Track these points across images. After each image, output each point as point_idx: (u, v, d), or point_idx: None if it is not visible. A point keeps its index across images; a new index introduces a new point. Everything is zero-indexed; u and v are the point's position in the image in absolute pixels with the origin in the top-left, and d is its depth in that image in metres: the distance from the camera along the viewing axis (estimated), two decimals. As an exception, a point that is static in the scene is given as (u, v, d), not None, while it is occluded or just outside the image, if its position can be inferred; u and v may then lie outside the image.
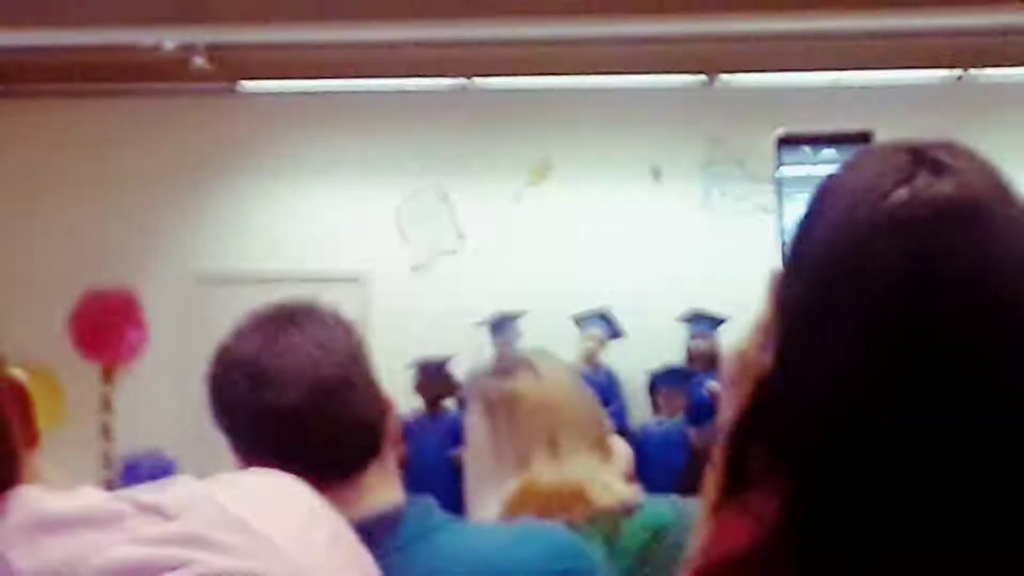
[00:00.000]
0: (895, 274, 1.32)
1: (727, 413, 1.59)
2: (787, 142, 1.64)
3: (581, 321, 11.68)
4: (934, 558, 1.29)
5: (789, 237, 1.51)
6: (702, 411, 10.93)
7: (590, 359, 11.49)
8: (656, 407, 11.52)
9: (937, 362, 1.30)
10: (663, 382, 11.42)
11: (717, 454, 1.51)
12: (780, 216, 1.62)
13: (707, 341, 11.49)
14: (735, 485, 1.44)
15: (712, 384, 11.03)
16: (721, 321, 11.40)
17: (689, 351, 11.62)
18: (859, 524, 1.31)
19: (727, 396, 1.62)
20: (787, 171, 1.63)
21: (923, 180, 1.35)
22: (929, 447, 1.30)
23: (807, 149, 1.63)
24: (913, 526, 1.30)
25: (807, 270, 1.39)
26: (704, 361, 11.43)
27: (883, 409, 1.31)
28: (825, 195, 1.42)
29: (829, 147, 1.62)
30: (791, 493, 1.36)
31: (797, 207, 1.56)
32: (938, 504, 1.29)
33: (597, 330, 11.67)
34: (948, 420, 1.30)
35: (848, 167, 1.45)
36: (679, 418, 11.23)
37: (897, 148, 1.40)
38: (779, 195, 1.63)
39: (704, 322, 11.55)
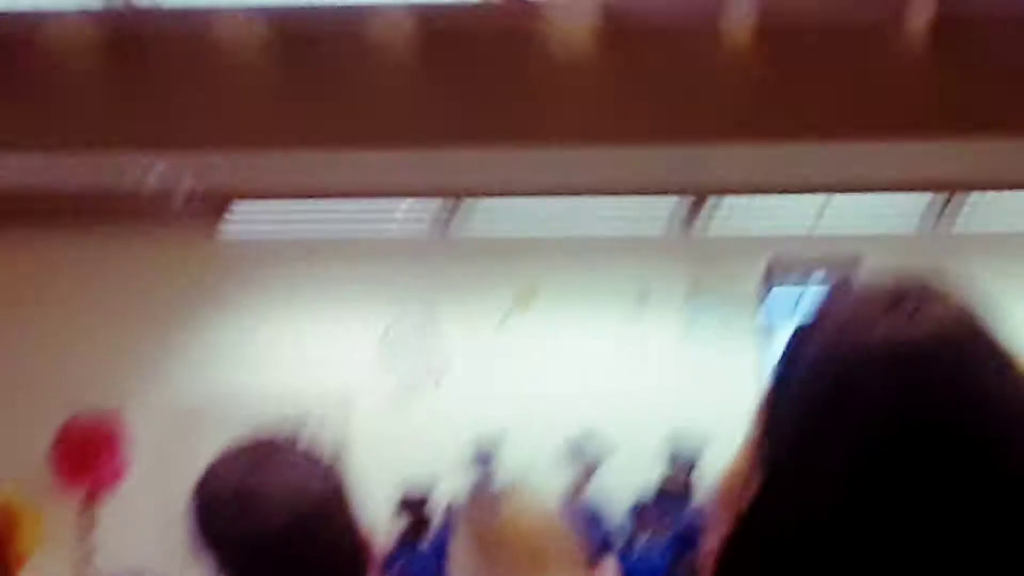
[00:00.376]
0: (869, 411, 1.33)
1: (714, 539, 1.59)
2: (775, 270, 1.66)
3: (567, 451, 11.61)
4: None
5: (773, 369, 1.53)
6: (686, 539, 10.89)
7: (578, 489, 11.42)
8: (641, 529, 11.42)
9: (917, 499, 1.31)
10: (647, 513, 11.33)
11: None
12: (768, 342, 1.63)
13: (682, 475, 11.39)
14: None
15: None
16: (694, 461, 11.32)
17: (665, 482, 11.50)
18: None
19: (713, 524, 1.63)
20: (775, 298, 1.64)
21: (899, 322, 1.36)
22: None
23: (796, 277, 1.65)
24: None
25: (790, 406, 1.41)
26: (678, 494, 11.33)
27: (863, 544, 1.32)
28: (806, 330, 1.44)
29: (817, 275, 1.64)
30: None
31: (783, 335, 1.58)
32: None
33: (584, 460, 11.60)
34: (927, 557, 1.31)
35: (828, 306, 1.47)
36: (664, 537, 11.13)
37: (874, 290, 1.43)
38: (766, 322, 1.64)
39: (681, 455, 11.46)
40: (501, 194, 12.05)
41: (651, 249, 12.34)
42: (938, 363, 1.34)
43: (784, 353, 1.45)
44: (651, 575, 10.77)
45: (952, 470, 1.31)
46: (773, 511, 1.40)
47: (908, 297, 1.39)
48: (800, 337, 1.44)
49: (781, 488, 1.40)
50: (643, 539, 11.31)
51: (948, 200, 11.62)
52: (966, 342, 1.36)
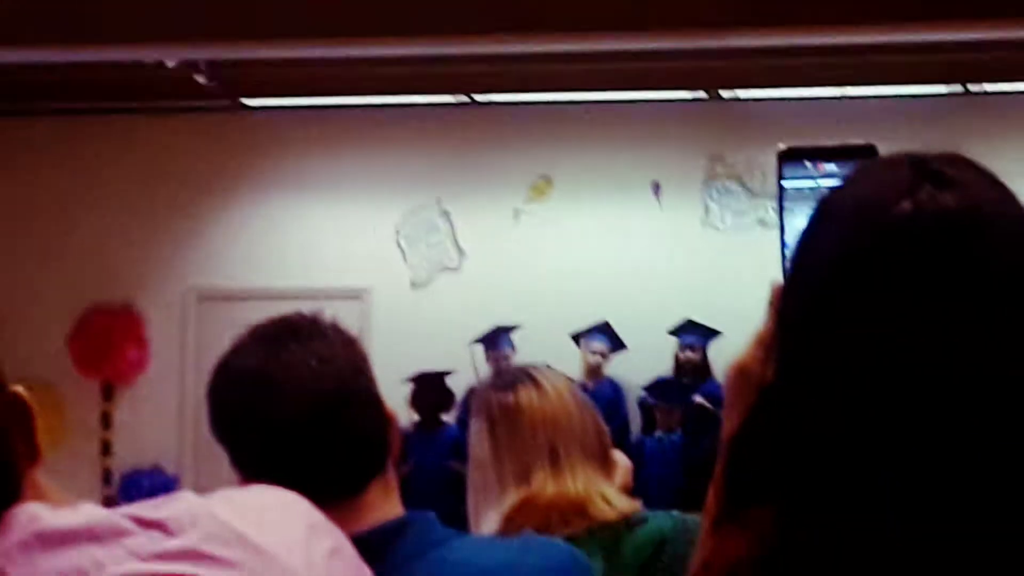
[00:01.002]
0: (899, 287, 1.31)
1: (728, 427, 1.58)
2: (789, 156, 1.63)
3: (583, 336, 11.66)
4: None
5: (791, 251, 1.50)
6: (697, 424, 10.94)
7: (595, 373, 11.48)
8: (651, 421, 11.48)
9: (942, 375, 1.30)
10: (659, 396, 11.38)
11: (718, 469, 1.51)
12: (782, 230, 1.60)
13: (696, 352, 11.48)
14: (736, 500, 1.43)
15: (698, 398, 11.05)
16: (712, 332, 11.39)
17: (678, 362, 11.60)
18: (855, 542, 1.31)
19: (728, 410, 1.61)
20: (789, 185, 1.62)
21: (926, 192, 1.33)
22: (931, 465, 1.29)
23: (809, 164, 1.62)
24: (911, 545, 1.29)
25: (809, 283, 1.38)
26: (693, 372, 11.43)
27: (885, 424, 1.31)
28: (827, 208, 1.41)
29: (832, 161, 1.61)
30: (788, 509, 1.35)
31: (799, 221, 1.56)
32: (936, 523, 1.28)
33: (600, 344, 11.64)
34: (950, 435, 1.29)
35: (850, 180, 1.44)
36: (676, 434, 11.19)
37: (900, 160, 1.39)
38: (781, 209, 1.62)
39: (694, 333, 11.54)
40: (514, 87, 12.01)
41: (666, 137, 12.29)
42: (963, 236, 1.31)
43: (805, 231, 1.43)
44: (664, 464, 10.83)
45: (978, 344, 1.29)
46: (790, 393, 1.39)
47: (934, 166, 1.37)
48: (821, 212, 1.42)
49: (797, 371, 1.38)
50: (654, 427, 11.36)
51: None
52: (994, 213, 1.34)
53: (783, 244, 1.59)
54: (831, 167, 1.61)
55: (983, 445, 1.29)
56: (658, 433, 11.30)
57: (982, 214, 1.33)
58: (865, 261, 1.33)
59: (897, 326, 1.30)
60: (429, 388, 11.26)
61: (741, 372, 1.57)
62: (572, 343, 11.66)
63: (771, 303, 1.55)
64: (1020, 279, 1.32)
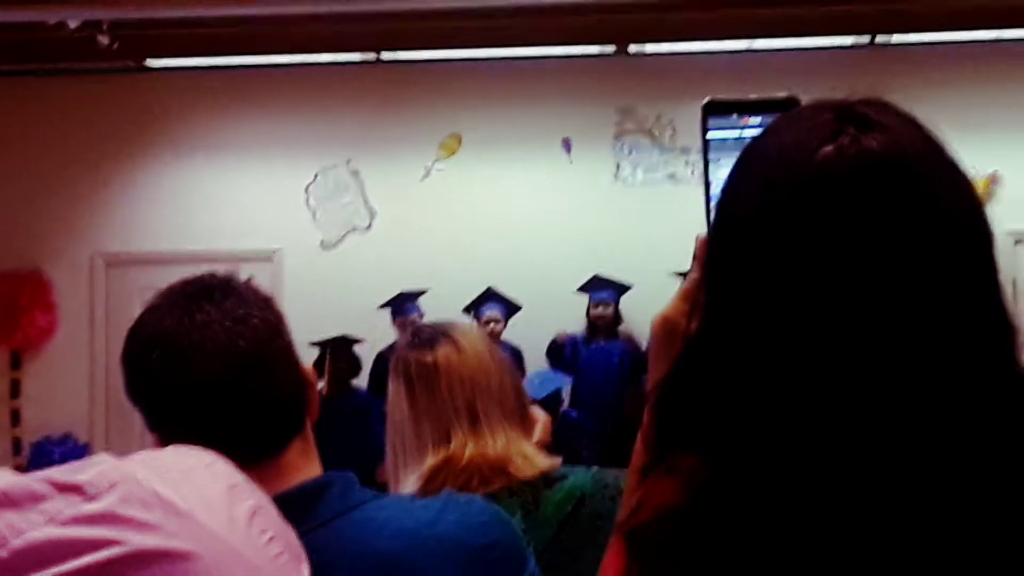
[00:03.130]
0: (823, 230, 1.31)
1: (654, 376, 1.58)
2: (713, 110, 1.63)
3: (475, 307, 11.62)
4: (859, 527, 1.28)
5: (716, 201, 1.50)
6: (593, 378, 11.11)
7: (494, 339, 11.45)
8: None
9: (865, 319, 1.29)
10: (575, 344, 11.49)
11: (645, 418, 1.51)
12: (707, 183, 1.60)
13: (608, 307, 11.53)
14: (663, 446, 1.43)
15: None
16: (622, 287, 11.44)
17: (590, 318, 11.64)
18: (784, 487, 1.31)
19: (653, 361, 1.61)
20: (713, 136, 1.62)
21: (849, 136, 1.34)
22: (853, 411, 1.29)
23: (734, 116, 1.62)
24: (839, 492, 1.29)
25: (733, 232, 1.38)
26: (606, 328, 11.50)
27: (810, 369, 1.31)
28: (750, 156, 1.41)
29: (756, 114, 1.61)
30: (717, 454, 1.35)
31: (724, 173, 1.56)
32: (863, 470, 1.29)
33: (493, 311, 11.61)
34: (876, 381, 1.29)
35: (772, 128, 1.44)
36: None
37: (823, 106, 1.40)
38: (706, 162, 1.62)
39: (604, 289, 11.58)
40: (421, 45, 11.96)
41: (575, 93, 12.30)
42: (887, 178, 1.32)
43: (727, 180, 1.43)
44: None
45: (900, 288, 1.30)
46: (717, 340, 1.38)
47: (858, 110, 1.37)
48: (744, 161, 1.42)
49: (724, 317, 1.38)
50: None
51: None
52: (918, 155, 1.34)
53: (708, 197, 1.59)
54: (755, 120, 1.61)
55: (903, 389, 1.30)
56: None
57: (906, 156, 1.33)
58: (787, 205, 1.33)
59: (819, 270, 1.30)
60: (334, 356, 11.20)
61: (666, 324, 1.58)
62: (482, 298, 11.67)
63: (695, 256, 1.56)
64: (944, 221, 1.32)
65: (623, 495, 1.63)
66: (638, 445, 1.60)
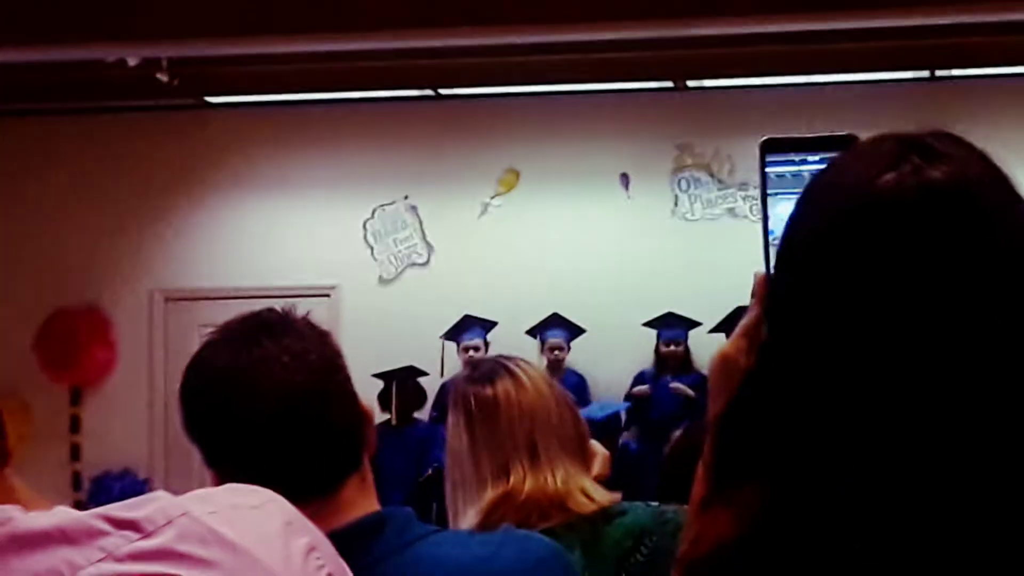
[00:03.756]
0: (881, 259, 1.29)
1: (713, 411, 1.58)
2: (771, 148, 1.62)
3: (538, 332, 11.64)
4: (916, 558, 1.27)
5: (774, 239, 1.50)
6: (664, 411, 11.09)
7: (555, 368, 11.44)
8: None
9: (923, 352, 1.28)
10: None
11: (706, 451, 1.50)
12: (765, 219, 1.60)
13: (679, 345, 11.54)
14: (722, 479, 1.42)
15: (678, 384, 11.11)
16: (692, 324, 11.43)
17: (660, 355, 11.65)
18: (840, 520, 1.30)
19: (713, 397, 1.60)
20: (772, 171, 1.61)
21: (912, 165, 1.32)
22: (918, 443, 1.28)
23: (792, 154, 1.62)
24: (897, 523, 1.28)
25: (794, 265, 1.37)
26: (676, 365, 11.50)
27: (869, 401, 1.29)
28: (813, 189, 1.40)
29: (813, 152, 1.60)
30: (772, 486, 1.34)
31: (782, 209, 1.55)
32: (922, 501, 1.27)
33: (556, 337, 11.63)
34: (937, 413, 1.28)
35: (836, 161, 1.43)
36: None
37: (887, 137, 1.38)
38: (764, 198, 1.61)
39: (675, 327, 11.58)
40: (479, 81, 12.00)
41: (634, 128, 12.30)
42: (950, 208, 1.30)
43: (791, 215, 1.41)
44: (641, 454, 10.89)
45: (963, 319, 1.28)
46: (775, 373, 1.37)
47: (921, 141, 1.35)
48: (807, 196, 1.41)
49: (782, 350, 1.37)
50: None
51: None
52: (981, 186, 1.32)
53: (766, 233, 1.58)
54: (814, 158, 1.60)
55: (968, 424, 1.28)
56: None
57: (970, 187, 1.31)
58: (846, 233, 1.32)
59: (877, 300, 1.29)
60: (399, 388, 11.23)
61: (725, 361, 1.57)
62: (538, 333, 11.68)
63: (754, 293, 1.55)
64: (1006, 253, 1.30)
65: (683, 529, 1.62)
66: (698, 478, 1.59)
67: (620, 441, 10.80)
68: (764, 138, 1.64)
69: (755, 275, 1.59)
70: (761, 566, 1.34)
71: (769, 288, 1.45)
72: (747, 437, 1.41)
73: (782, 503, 1.33)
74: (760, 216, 1.61)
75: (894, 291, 1.29)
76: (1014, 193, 1.35)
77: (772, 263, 1.54)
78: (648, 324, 11.66)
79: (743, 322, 1.60)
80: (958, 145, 1.36)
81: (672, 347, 11.60)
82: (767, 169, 1.62)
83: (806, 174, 1.58)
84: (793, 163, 1.61)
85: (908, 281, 1.28)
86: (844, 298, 1.31)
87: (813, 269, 1.34)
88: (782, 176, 1.61)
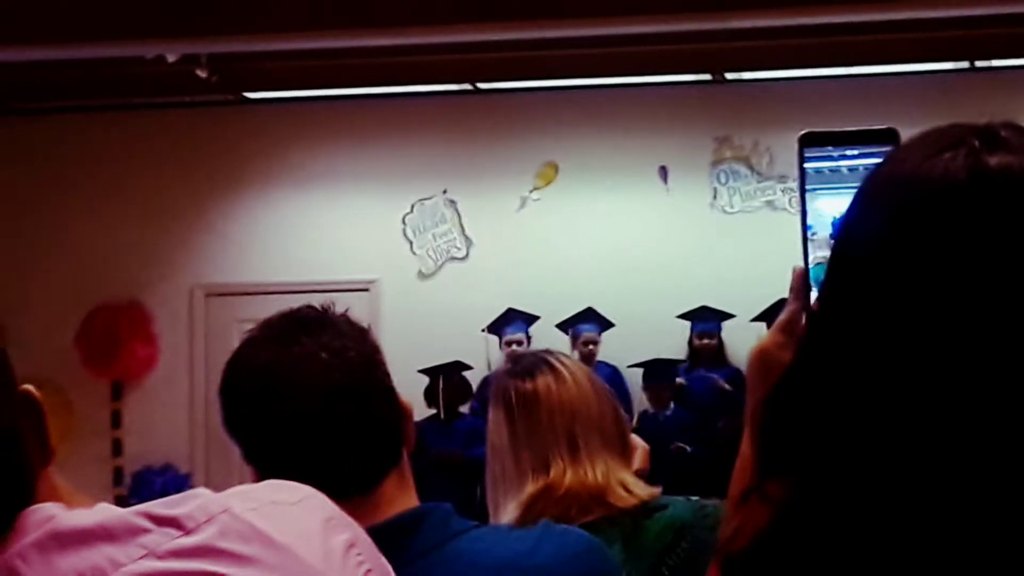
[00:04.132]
0: (947, 250, 1.26)
1: (751, 405, 1.58)
2: (810, 141, 1.62)
3: (570, 326, 11.62)
4: (949, 559, 1.26)
5: (812, 234, 1.50)
6: (694, 402, 11.04)
7: (588, 361, 11.42)
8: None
9: (972, 348, 1.26)
10: (650, 376, 11.40)
11: (743, 446, 1.50)
12: (804, 213, 1.60)
13: (713, 338, 11.50)
14: (761, 475, 1.42)
15: (715, 378, 11.08)
16: (725, 316, 11.40)
17: (693, 348, 11.62)
18: (869, 516, 1.29)
19: (750, 392, 1.60)
20: (810, 167, 1.61)
21: (969, 148, 1.29)
22: (960, 441, 1.27)
23: (830, 148, 1.61)
24: (926, 521, 1.27)
25: (859, 260, 1.34)
26: (710, 358, 11.46)
27: (912, 399, 1.28)
28: (874, 184, 1.37)
29: (852, 146, 1.60)
30: (805, 480, 1.34)
31: (820, 204, 1.56)
32: (956, 501, 1.26)
33: (589, 331, 11.62)
34: (983, 411, 1.26)
35: (896, 153, 1.41)
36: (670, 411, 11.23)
37: (950, 128, 1.35)
38: (802, 192, 1.61)
39: (709, 320, 11.55)
40: (518, 75, 12.00)
41: (672, 121, 12.28)
42: (1018, 195, 1.27)
43: (849, 211, 1.39)
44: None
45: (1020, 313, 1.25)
46: (815, 371, 1.36)
47: (988, 129, 1.33)
48: (867, 190, 1.38)
49: (827, 349, 1.36)
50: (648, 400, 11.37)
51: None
52: None
53: (804, 227, 1.58)
54: (852, 152, 1.60)
55: (1009, 426, 1.26)
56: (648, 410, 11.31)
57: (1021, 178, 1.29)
58: (920, 229, 1.28)
59: (942, 293, 1.27)
60: (445, 382, 11.23)
61: (763, 355, 1.58)
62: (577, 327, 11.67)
63: (792, 288, 1.55)
64: None
65: (722, 523, 1.62)
66: (736, 472, 1.59)
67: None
68: (802, 132, 1.64)
69: (793, 270, 1.59)
70: (785, 561, 1.33)
71: (823, 287, 1.43)
72: (785, 431, 1.40)
73: (807, 498, 1.33)
74: (799, 209, 1.61)
75: (948, 282, 1.26)
76: None
77: (809, 258, 1.54)
78: (682, 316, 11.63)
79: (781, 317, 1.60)
80: (1015, 132, 1.33)
81: (705, 340, 11.56)
82: (805, 164, 1.62)
83: (844, 169, 1.58)
84: (832, 158, 1.61)
85: (962, 271, 1.26)
86: (885, 285, 1.29)
87: (880, 265, 1.31)
88: (820, 171, 1.61)
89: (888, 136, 1.57)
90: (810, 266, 1.57)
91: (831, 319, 1.36)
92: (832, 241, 1.44)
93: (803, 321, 1.56)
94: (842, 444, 1.31)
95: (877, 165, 1.40)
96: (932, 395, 1.27)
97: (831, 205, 1.54)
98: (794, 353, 1.43)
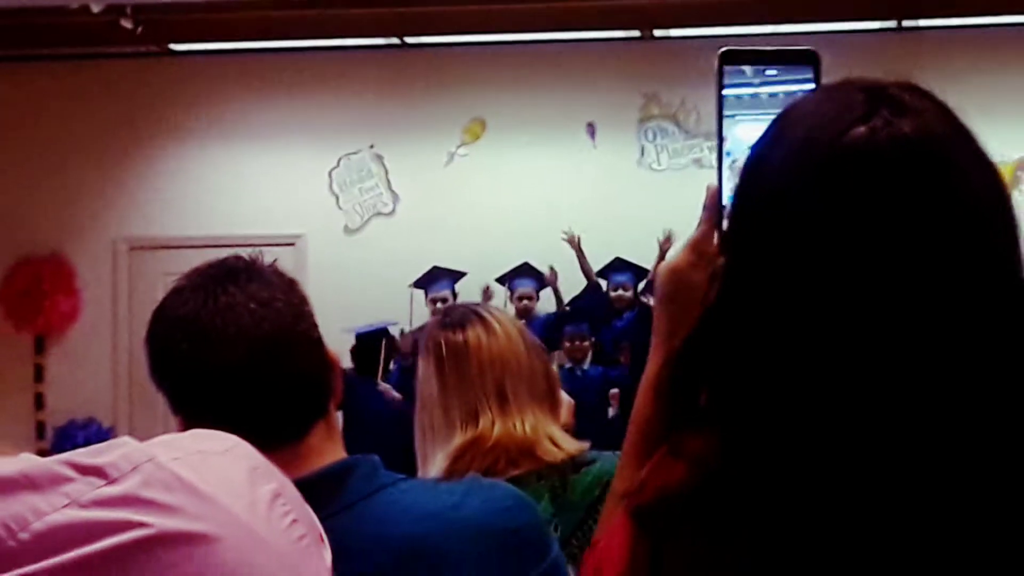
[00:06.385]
0: (848, 211, 1.30)
1: (660, 332, 1.60)
2: (730, 59, 1.62)
3: (507, 280, 11.66)
4: (873, 512, 1.28)
5: (732, 161, 1.53)
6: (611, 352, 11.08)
7: (524, 315, 11.45)
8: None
9: (885, 306, 1.28)
10: (568, 325, 11.38)
11: (659, 387, 1.49)
12: (720, 138, 1.60)
13: (628, 290, 11.53)
14: (674, 424, 1.42)
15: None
16: (642, 271, 11.43)
17: (611, 300, 11.64)
18: (801, 472, 1.30)
19: (659, 315, 1.61)
20: (729, 93, 1.62)
21: (882, 119, 1.32)
22: (880, 391, 1.29)
23: (749, 68, 1.62)
24: (857, 475, 1.29)
25: (760, 199, 1.37)
26: (626, 310, 11.49)
27: (831, 352, 1.29)
28: (783, 124, 1.40)
29: (772, 65, 1.61)
30: (730, 435, 1.34)
31: (738, 130, 1.57)
32: (881, 454, 1.28)
33: (526, 287, 11.65)
34: (895, 370, 1.28)
35: (807, 100, 1.43)
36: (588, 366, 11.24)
37: (856, 85, 1.38)
38: (720, 116, 1.61)
39: (624, 271, 11.59)
40: (446, 29, 11.97)
41: (600, 77, 12.28)
42: (918, 163, 1.30)
43: (759, 143, 1.41)
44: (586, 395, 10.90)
45: (929, 272, 1.29)
46: (735, 316, 1.37)
47: (891, 92, 1.36)
48: (778, 127, 1.40)
49: (744, 294, 1.36)
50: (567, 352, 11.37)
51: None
52: (949, 141, 1.33)
53: (720, 149, 1.59)
54: (771, 72, 1.60)
55: (922, 380, 1.29)
56: (568, 364, 11.29)
57: (937, 143, 1.32)
58: (814, 182, 1.32)
59: (842, 251, 1.30)
60: (373, 347, 11.20)
61: (673, 274, 1.59)
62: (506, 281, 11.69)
63: (705, 207, 1.56)
64: (971, 210, 1.31)
65: (619, 462, 1.63)
66: (633, 420, 1.60)
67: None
68: (722, 50, 1.64)
69: (707, 188, 1.60)
70: (715, 520, 1.34)
71: (729, 224, 1.45)
72: (698, 386, 1.40)
73: (736, 457, 1.33)
74: (716, 132, 1.61)
75: (856, 243, 1.29)
76: (978, 150, 1.36)
77: (723, 179, 1.58)
78: (599, 273, 11.68)
79: (692, 236, 1.61)
80: (925, 99, 1.37)
81: (620, 292, 11.59)
82: (725, 89, 1.62)
83: (764, 95, 1.58)
84: (752, 84, 1.61)
85: (870, 234, 1.29)
86: (805, 245, 1.31)
87: (779, 216, 1.33)
88: (740, 98, 1.61)
89: (808, 57, 1.59)
90: (724, 188, 1.58)
91: (744, 274, 1.37)
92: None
93: (715, 241, 1.56)
94: (767, 400, 1.32)
95: (786, 112, 1.41)
96: (845, 352, 1.29)
97: (750, 132, 1.53)
98: (715, 290, 1.42)
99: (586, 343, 11.22)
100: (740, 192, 1.42)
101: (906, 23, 11.75)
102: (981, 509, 1.27)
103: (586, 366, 11.21)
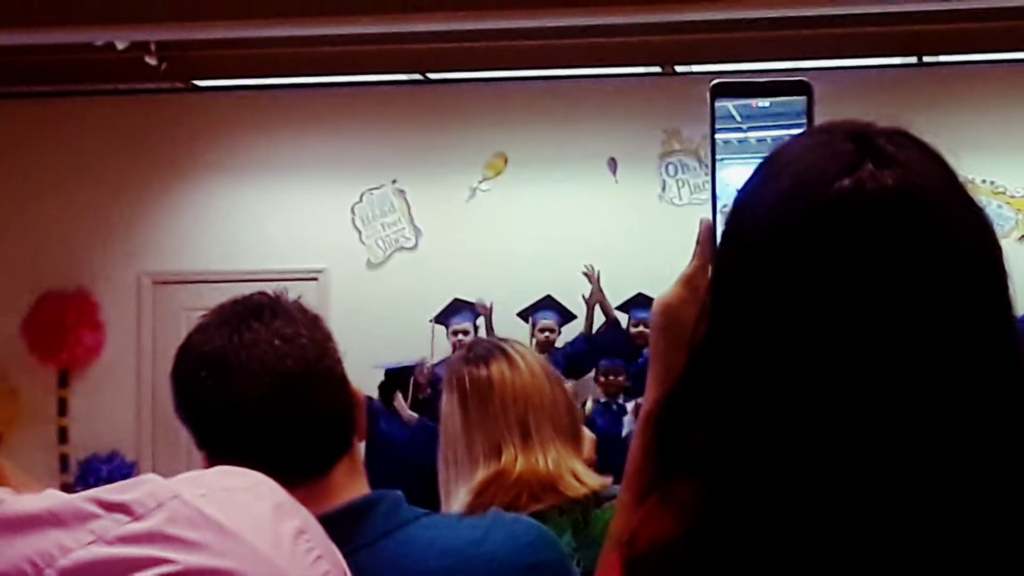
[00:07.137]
0: (834, 265, 1.30)
1: (655, 367, 1.61)
2: (722, 91, 1.64)
3: (529, 313, 11.66)
4: (862, 563, 1.28)
5: (724, 207, 1.54)
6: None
7: (545, 349, 11.45)
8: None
9: (874, 356, 1.28)
10: (603, 360, 11.41)
11: (648, 433, 1.50)
12: (713, 164, 1.62)
13: (648, 325, 11.49)
14: (661, 474, 1.42)
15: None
16: None
17: (632, 336, 11.61)
18: (789, 521, 1.30)
19: (654, 353, 1.62)
20: (720, 139, 1.63)
21: (867, 171, 1.32)
22: (867, 442, 1.28)
23: (742, 101, 1.63)
24: (846, 524, 1.28)
25: (746, 242, 1.37)
26: (646, 346, 11.46)
27: (814, 401, 1.30)
28: (770, 171, 1.40)
29: (764, 96, 1.62)
30: (717, 484, 1.34)
31: (728, 173, 1.59)
32: (869, 506, 1.28)
33: (548, 319, 11.67)
34: (887, 415, 1.28)
35: (795, 144, 1.43)
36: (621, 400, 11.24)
37: (846, 131, 1.38)
38: (713, 149, 1.63)
39: (646, 307, 11.54)
40: (468, 65, 12.00)
41: (621, 113, 12.29)
42: (901, 217, 1.31)
43: (747, 184, 1.42)
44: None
45: (911, 326, 1.29)
46: (722, 363, 1.37)
47: (877, 143, 1.36)
48: (766, 170, 1.40)
49: (728, 345, 1.37)
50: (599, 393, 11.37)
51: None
52: (934, 195, 1.33)
53: (714, 179, 1.60)
54: (762, 104, 1.61)
55: (910, 430, 1.28)
56: (603, 399, 11.29)
57: (921, 195, 1.32)
58: (801, 234, 1.32)
59: (827, 302, 1.30)
60: (400, 383, 11.21)
61: (667, 310, 1.59)
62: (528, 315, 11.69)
63: (699, 241, 1.57)
64: (958, 262, 1.31)
65: (618, 499, 1.63)
66: (627, 473, 1.60)
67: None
68: (713, 82, 1.65)
69: (701, 221, 1.60)
70: (704, 569, 1.33)
71: (714, 268, 1.45)
72: (686, 432, 1.40)
73: (721, 506, 1.33)
74: (710, 174, 1.63)
75: (841, 295, 1.29)
76: (967, 199, 1.36)
77: (718, 215, 1.59)
78: (619, 308, 11.68)
79: (685, 271, 1.62)
80: (913, 148, 1.37)
81: (641, 327, 11.57)
82: (716, 134, 1.63)
83: (753, 140, 1.59)
84: (741, 130, 1.62)
85: (856, 287, 1.29)
86: (791, 295, 1.31)
87: (763, 265, 1.34)
88: (728, 143, 1.62)
89: (800, 88, 1.60)
90: (718, 223, 1.59)
91: (729, 320, 1.37)
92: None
93: (708, 276, 1.56)
94: (751, 449, 1.32)
95: (773, 156, 1.42)
96: (832, 400, 1.29)
97: (740, 176, 1.54)
98: (703, 323, 1.42)
99: (620, 377, 11.24)
100: (726, 235, 1.42)
101: (926, 59, 11.74)
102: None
103: (621, 400, 11.20)
